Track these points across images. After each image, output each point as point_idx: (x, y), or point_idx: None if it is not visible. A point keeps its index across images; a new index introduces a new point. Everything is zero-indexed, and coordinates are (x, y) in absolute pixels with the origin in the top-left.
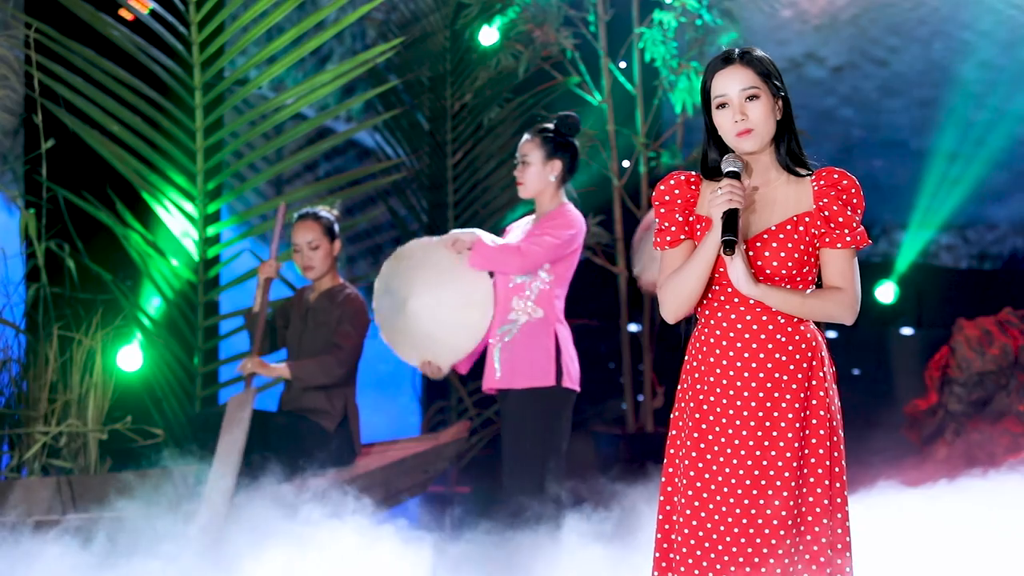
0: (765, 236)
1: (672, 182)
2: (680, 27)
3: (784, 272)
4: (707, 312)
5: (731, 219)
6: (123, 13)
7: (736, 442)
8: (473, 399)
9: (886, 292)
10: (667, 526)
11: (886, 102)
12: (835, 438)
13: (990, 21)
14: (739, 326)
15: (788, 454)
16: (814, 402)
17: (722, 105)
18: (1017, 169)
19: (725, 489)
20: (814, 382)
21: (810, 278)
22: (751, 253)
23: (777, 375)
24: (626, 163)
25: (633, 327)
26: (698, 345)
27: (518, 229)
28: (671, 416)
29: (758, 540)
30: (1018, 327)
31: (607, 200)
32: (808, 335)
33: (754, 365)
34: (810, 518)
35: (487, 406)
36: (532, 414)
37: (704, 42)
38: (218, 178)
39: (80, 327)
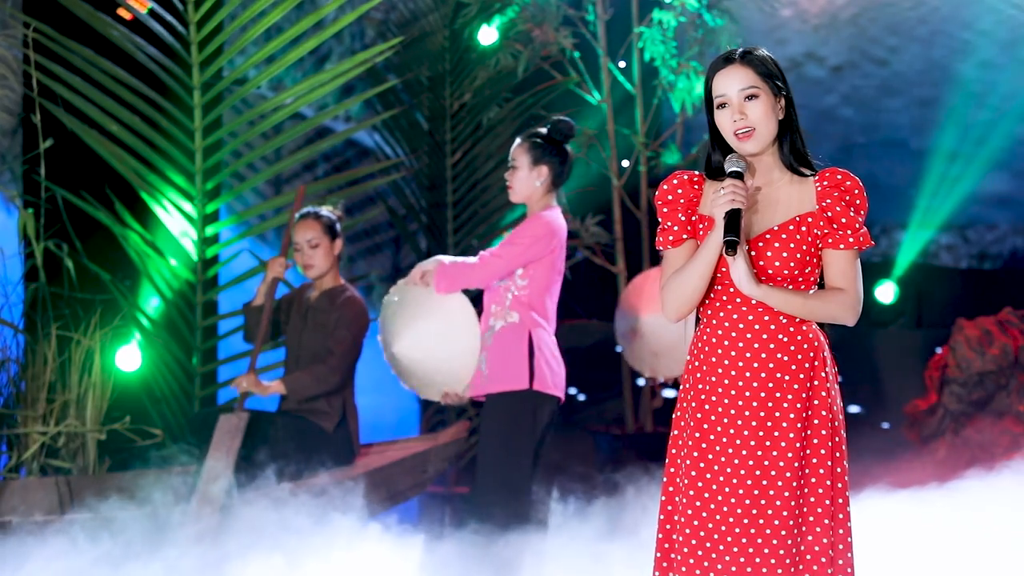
0: (767, 236)
1: (675, 181)
2: (680, 26)
3: (786, 272)
4: (709, 312)
5: (733, 219)
6: (122, 12)
7: (737, 442)
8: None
9: (886, 292)
10: (668, 526)
11: (886, 102)
12: (837, 438)
13: (990, 20)
14: (741, 326)
15: (789, 454)
16: (816, 402)
17: (722, 105)
18: (1017, 169)
19: (726, 489)
20: (816, 382)
21: (812, 279)
22: (753, 253)
23: (779, 375)
24: (625, 163)
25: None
26: (700, 345)
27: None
28: (673, 416)
29: (759, 540)
30: (1018, 327)
31: (606, 200)
32: (810, 335)
33: (756, 365)
34: (811, 518)
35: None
36: (499, 417)
37: (703, 41)
38: (217, 178)
39: (79, 327)
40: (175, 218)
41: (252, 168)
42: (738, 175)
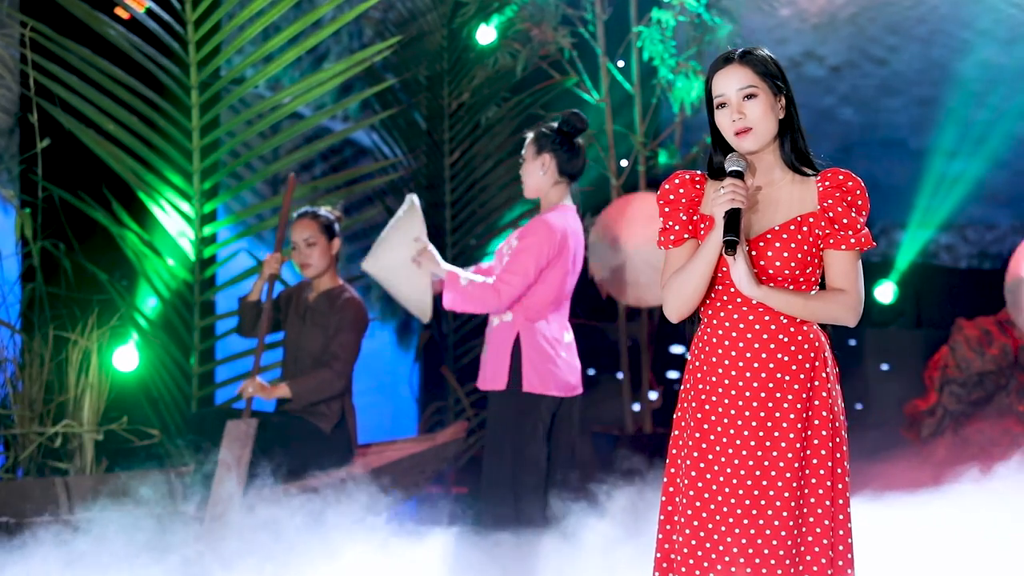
0: (768, 236)
1: (676, 181)
2: (679, 26)
3: (787, 272)
4: (710, 312)
5: (733, 219)
6: (119, 12)
7: (738, 442)
8: (470, 399)
9: (885, 292)
10: (668, 526)
11: (885, 101)
12: (837, 439)
13: (989, 19)
14: (741, 326)
15: (790, 455)
16: (816, 403)
17: (722, 105)
18: (1017, 168)
19: (727, 489)
20: (816, 383)
21: (813, 279)
22: (754, 253)
23: (779, 375)
24: (624, 162)
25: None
26: (700, 345)
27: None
28: (674, 416)
29: (759, 541)
30: (1017, 327)
31: (605, 199)
32: (811, 335)
33: (756, 365)
34: (811, 519)
35: (484, 407)
36: (491, 415)
37: (702, 41)
38: (214, 177)
39: (76, 327)
40: (173, 218)
41: (250, 168)
42: (738, 174)
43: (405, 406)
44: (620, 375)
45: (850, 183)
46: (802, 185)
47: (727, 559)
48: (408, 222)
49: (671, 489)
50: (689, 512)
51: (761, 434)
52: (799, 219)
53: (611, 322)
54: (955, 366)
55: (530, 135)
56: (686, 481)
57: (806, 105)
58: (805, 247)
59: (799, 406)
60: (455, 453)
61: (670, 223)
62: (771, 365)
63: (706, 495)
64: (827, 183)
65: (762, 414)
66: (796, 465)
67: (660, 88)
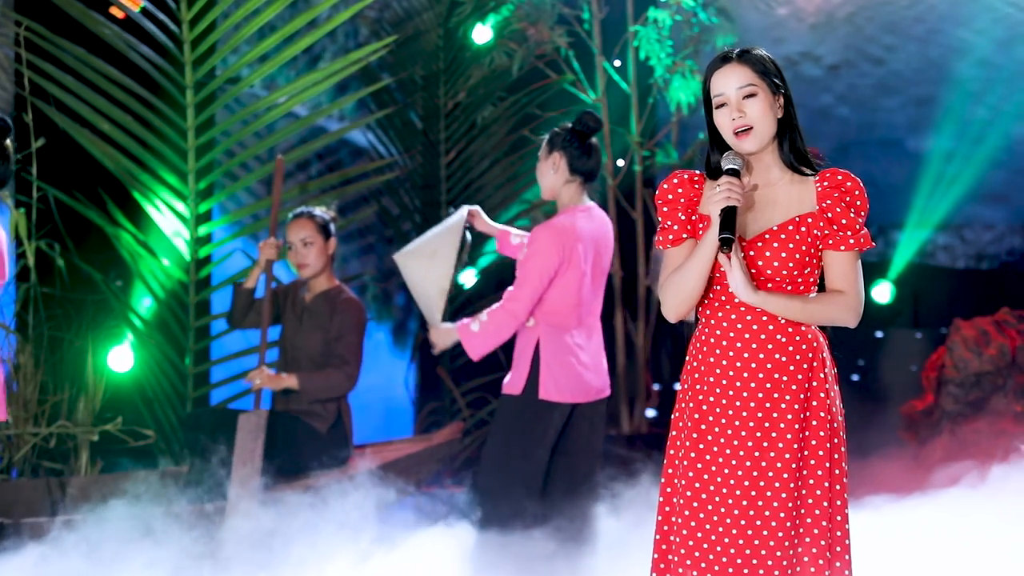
0: (767, 236)
1: (675, 181)
2: (675, 25)
3: (785, 273)
4: (707, 312)
5: (729, 216)
6: (114, 11)
7: (735, 443)
8: (466, 400)
9: (882, 292)
10: (666, 527)
11: (882, 100)
12: (835, 440)
13: (987, 19)
14: (739, 326)
15: (787, 455)
16: (814, 403)
17: (721, 104)
18: (1015, 168)
19: (724, 490)
20: (814, 383)
21: (811, 279)
22: (752, 253)
23: (777, 375)
24: (621, 162)
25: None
26: (698, 345)
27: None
28: (672, 416)
29: (756, 542)
30: (1015, 327)
31: (601, 200)
32: (809, 336)
33: (754, 366)
34: (809, 520)
35: (480, 407)
36: (499, 417)
37: (699, 40)
38: (209, 177)
39: (71, 327)
40: (168, 218)
41: (245, 167)
42: (734, 172)
43: (401, 406)
44: (616, 376)
45: (849, 183)
46: (801, 185)
47: (724, 560)
48: (446, 242)
49: (669, 489)
50: (686, 513)
51: (759, 434)
52: (797, 219)
53: (607, 322)
54: (952, 367)
55: (545, 137)
56: (683, 481)
57: (803, 105)
58: (804, 247)
59: (796, 407)
60: (451, 453)
61: (669, 223)
62: (769, 366)
63: (703, 496)
64: (825, 183)
65: (759, 415)
66: (794, 466)
67: (656, 88)
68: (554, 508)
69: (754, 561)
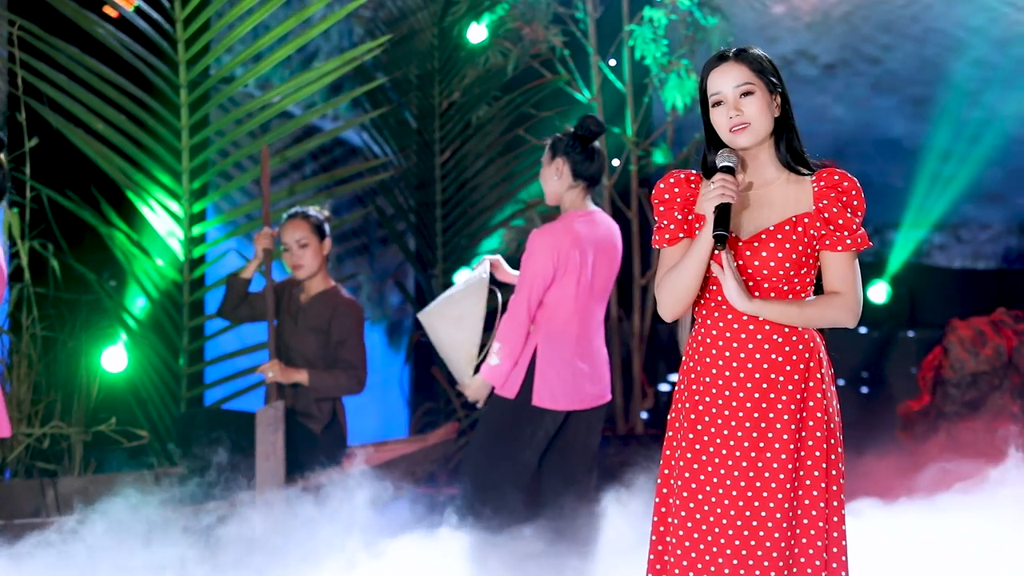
0: (763, 236)
1: (672, 180)
2: (671, 24)
3: (781, 273)
4: (704, 312)
5: (723, 213)
6: (108, 10)
7: (731, 443)
8: (461, 400)
9: (879, 292)
10: (662, 527)
11: (878, 100)
12: (832, 440)
13: (983, 18)
14: (735, 326)
15: (783, 456)
16: (811, 403)
17: (718, 103)
18: (1011, 168)
19: (720, 490)
20: (811, 383)
21: (808, 280)
22: (748, 253)
23: (773, 376)
24: (616, 162)
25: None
26: (695, 346)
27: None
28: (668, 417)
29: (752, 542)
30: (1012, 327)
31: (596, 200)
32: (806, 336)
33: (750, 366)
34: (805, 521)
35: (475, 407)
36: (491, 418)
37: (695, 40)
38: (204, 177)
39: (64, 327)
40: (161, 217)
41: (239, 167)
42: (729, 170)
43: (396, 407)
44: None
45: (845, 183)
46: (797, 185)
47: (720, 560)
48: (472, 308)
49: (665, 490)
50: (683, 513)
51: (755, 435)
52: (794, 219)
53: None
54: (949, 367)
55: (548, 142)
56: (680, 482)
57: (799, 104)
58: (800, 247)
59: (793, 407)
60: (446, 454)
61: (665, 222)
62: (765, 366)
63: (700, 496)
64: (822, 183)
65: (756, 415)
66: (790, 466)
67: (652, 87)
68: (547, 508)
69: (750, 562)
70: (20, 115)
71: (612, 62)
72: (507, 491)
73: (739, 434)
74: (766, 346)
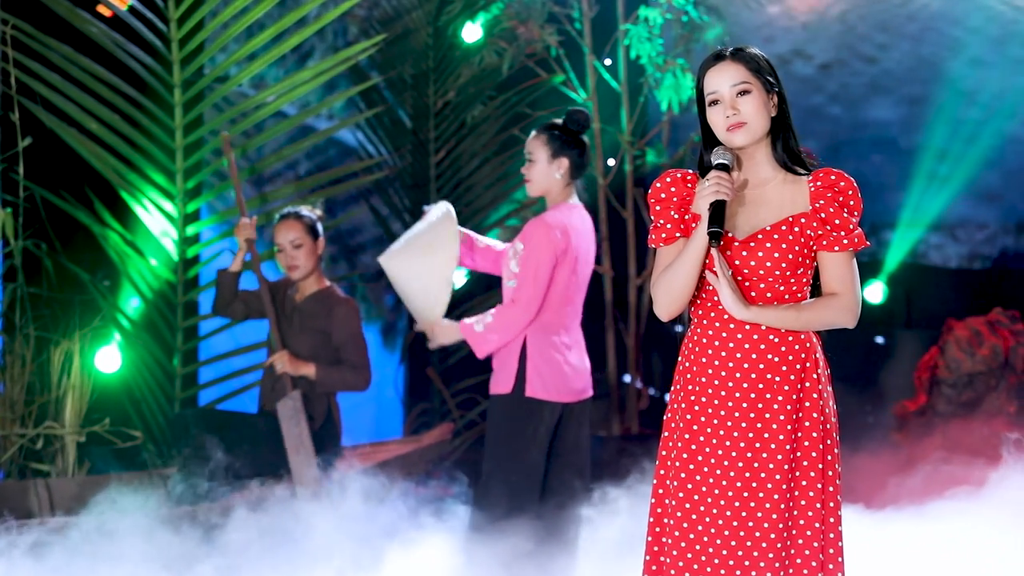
0: (759, 236)
1: (668, 179)
2: (666, 24)
3: (777, 274)
4: (700, 312)
5: (718, 210)
6: (101, 9)
7: (727, 443)
8: (456, 401)
9: (874, 292)
10: (658, 528)
11: (875, 99)
12: (828, 441)
13: (980, 17)
14: (731, 326)
15: (779, 456)
16: (807, 404)
17: (714, 102)
18: (1007, 168)
19: (716, 491)
20: (807, 384)
21: (804, 280)
22: (744, 253)
23: (769, 376)
24: (611, 162)
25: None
26: (691, 346)
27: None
28: (664, 418)
29: (749, 543)
30: (1008, 327)
31: (592, 199)
32: (802, 336)
33: (746, 366)
34: (802, 522)
35: (470, 408)
36: (492, 418)
37: (690, 39)
38: (198, 176)
39: (58, 328)
40: (155, 217)
41: None
42: (724, 167)
43: (391, 407)
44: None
45: (842, 183)
46: (794, 185)
47: (716, 561)
48: (442, 232)
49: (661, 491)
50: (679, 514)
51: (751, 435)
52: (791, 219)
53: (598, 322)
54: (945, 367)
55: (538, 134)
56: (675, 483)
57: (795, 103)
58: (796, 248)
59: (789, 407)
60: (441, 455)
61: (661, 221)
62: (761, 366)
63: (695, 496)
64: (819, 183)
65: (752, 415)
66: (786, 467)
67: (647, 86)
68: (549, 509)
69: (746, 562)
70: (13, 114)
71: (607, 61)
72: (518, 494)
73: (735, 434)
74: (762, 346)
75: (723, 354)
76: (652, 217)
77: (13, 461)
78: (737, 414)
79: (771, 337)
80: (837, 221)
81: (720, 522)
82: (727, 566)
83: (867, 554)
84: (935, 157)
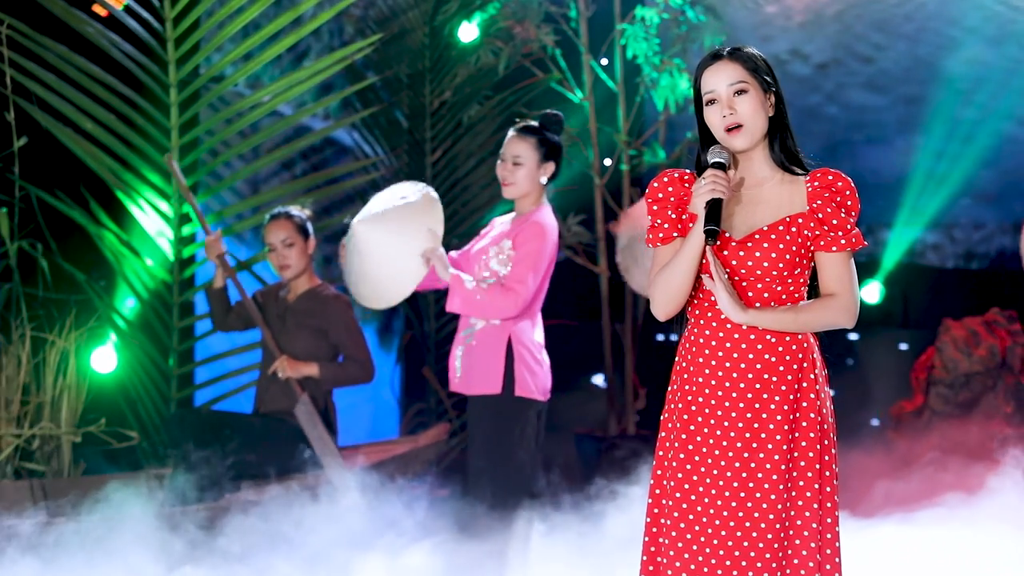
0: (756, 236)
1: (665, 179)
2: (663, 23)
3: (775, 274)
4: (697, 312)
5: (714, 209)
6: (97, 9)
7: (724, 444)
8: (452, 401)
9: (871, 292)
10: (655, 528)
11: (872, 99)
12: (825, 441)
13: (977, 17)
14: (728, 326)
15: (776, 456)
16: (804, 404)
17: (711, 101)
18: (1004, 167)
19: (713, 491)
20: (804, 384)
21: (802, 280)
22: (741, 253)
23: (766, 376)
24: (608, 161)
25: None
26: (687, 346)
27: (495, 230)
28: (661, 418)
29: (746, 543)
30: (1005, 328)
31: (588, 199)
32: (799, 336)
33: (743, 366)
34: (799, 522)
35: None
36: (483, 422)
37: (687, 39)
38: (193, 176)
39: (53, 328)
40: (151, 217)
41: (229, 167)
42: (720, 165)
43: (387, 407)
44: (603, 376)
45: (839, 183)
46: (791, 185)
47: (713, 562)
48: (424, 210)
49: (658, 491)
50: (676, 514)
51: (748, 435)
52: (788, 219)
53: (594, 322)
54: (942, 367)
55: (525, 136)
56: (672, 483)
57: (792, 103)
58: (794, 248)
59: (786, 407)
60: (437, 455)
61: (658, 221)
62: (758, 366)
63: (692, 497)
64: (816, 183)
65: (749, 415)
66: (783, 467)
67: (644, 86)
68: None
69: (743, 563)
70: (9, 114)
71: (604, 61)
72: (509, 496)
73: (732, 434)
74: (759, 346)
75: (720, 354)
76: (649, 217)
77: (8, 461)
78: (734, 414)
79: (768, 337)
80: (835, 221)
81: (717, 522)
82: (724, 567)
83: (861, 557)
84: (932, 157)
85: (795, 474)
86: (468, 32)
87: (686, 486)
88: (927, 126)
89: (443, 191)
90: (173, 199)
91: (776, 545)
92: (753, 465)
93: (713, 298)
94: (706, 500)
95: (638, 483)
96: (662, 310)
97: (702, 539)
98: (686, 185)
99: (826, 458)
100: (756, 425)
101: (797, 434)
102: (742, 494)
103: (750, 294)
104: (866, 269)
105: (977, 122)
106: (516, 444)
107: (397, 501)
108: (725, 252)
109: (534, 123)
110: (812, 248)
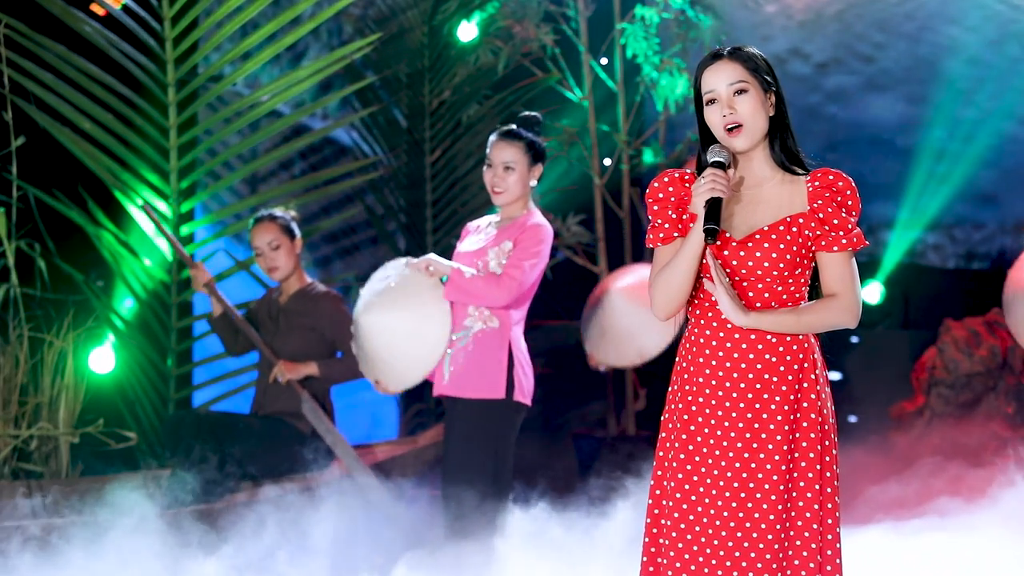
0: (757, 236)
1: (666, 179)
2: (663, 23)
3: (775, 274)
4: (697, 312)
5: (714, 208)
6: (95, 8)
7: (724, 444)
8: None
9: (872, 292)
10: (655, 529)
11: (872, 99)
12: (826, 442)
13: (978, 17)
14: (729, 326)
15: (776, 457)
16: (804, 404)
17: (711, 101)
18: (1005, 167)
19: (713, 492)
20: (805, 384)
21: (802, 280)
22: (742, 253)
23: (767, 376)
24: (607, 161)
25: None
26: (688, 346)
27: (481, 234)
28: (661, 418)
29: (746, 544)
30: (1006, 328)
31: (588, 199)
32: (800, 337)
33: (743, 366)
34: (800, 523)
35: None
36: (482, 427)
37: (687, 38)
38: (192, 176)
39: (51, 328)
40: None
41: (228, 167)
42: (720, 164)
43: (386, 408)
44: (603, 377)
45: (840, 183)
46: (792, 185)
47: (714, 562)
48: (413, 279)
49: (658, 491)
50: (676, 515)
51: (748, 436)
52: (788, 219)
53: None
54: (943, 368)
55: (513, 141)
56: (672, 483)
57: (791, 103)
58: (795, 248)
59: (786, 408)
60: (436, 455)
61: (659, 221)
62: (758, 366)
63: (693, 497)
64: (816, 183)
65: (749, 415)
66: (783, 468)
67: (644, 86)
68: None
69: (744, 563)
70: (7, 114)
71: (604, 61)
72: (498, 500)
73: (732, 435)
74: (759, 346)
75: (720, 354)
76: (650, 217)
77: (6, 462)
78: (734, 414)
79: (769, 338)
80: (835, 221)
81: (717, 523)
82: (724, 567)
83: (861, 544)
84: (933, 157)
85: (795, 474)
86: (467, 31)
87: (686, 486)
88: (928, 126)
89: (442, 191)
90: (171, 199)
91: (776, 546)
92: (753, 465)
93: (713, 298)
94: (706, 500)
95: (638, 484)
96: (662, 310)
97: (703, 539)
98: (686, 185)
99: (827, 458)
100: (756, 425)
101: (798, 434)
102: (742, 494)
103: (750, 294)
104: (867, 269)
105: (978, 122)
106: (511, 447)
107: (396, 501)
108: (725, 252)
109: (515, 127)
110: (813, 248)
